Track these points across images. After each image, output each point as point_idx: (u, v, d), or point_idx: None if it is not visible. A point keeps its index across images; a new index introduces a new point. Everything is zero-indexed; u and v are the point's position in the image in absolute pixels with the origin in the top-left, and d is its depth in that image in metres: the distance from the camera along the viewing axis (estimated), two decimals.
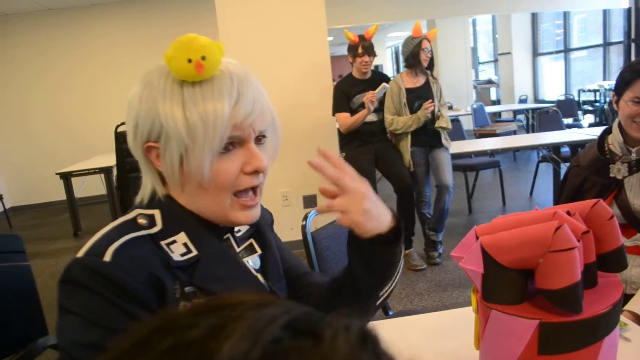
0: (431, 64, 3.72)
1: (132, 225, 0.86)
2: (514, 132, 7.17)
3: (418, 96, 3.68)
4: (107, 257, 0.79)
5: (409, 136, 3.70)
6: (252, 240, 1.01)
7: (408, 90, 3.68)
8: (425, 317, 1.50)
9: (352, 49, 3.74)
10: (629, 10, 8.48)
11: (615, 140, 1.79)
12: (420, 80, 3.74)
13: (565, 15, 10.18)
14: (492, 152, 5.02)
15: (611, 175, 1.79)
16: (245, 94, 0.84)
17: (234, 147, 0.86)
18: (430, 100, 3.60)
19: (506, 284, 0.91)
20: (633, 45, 8.45)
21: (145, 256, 0.82)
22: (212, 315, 0.29)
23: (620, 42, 8.87)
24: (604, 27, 9.35)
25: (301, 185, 4.17)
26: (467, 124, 8.23)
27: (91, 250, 0.81)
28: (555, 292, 0.85)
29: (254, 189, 0.91)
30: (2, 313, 1.52)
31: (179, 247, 0.86)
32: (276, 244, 1.10)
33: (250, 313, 0.28)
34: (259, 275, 0.97)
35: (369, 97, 3.56)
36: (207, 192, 0.87)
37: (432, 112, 3.61)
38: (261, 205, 1.11)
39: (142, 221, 0.86)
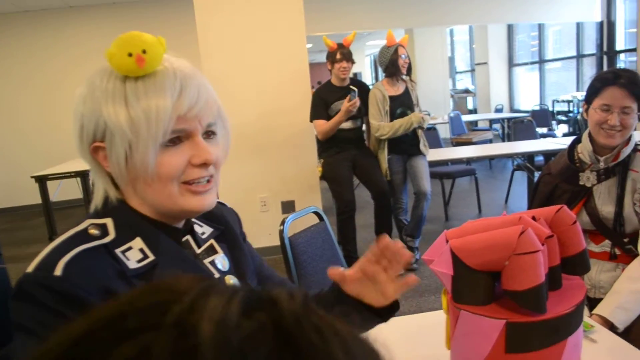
0: (409, 69, 3.77)
1: (84, 236, 0.83)
2: (490, 141, 7.29)
3: (400, 103, 3.73)
4: (58, 271, 0.76)
5: (386, 144, 3.74)
6: (212, 241, 0.99)
7: (391, 98, 3.72)
8: (400, 320, 1.53)
9: (331, 55, 3.78)
10: (601, 24, 8.73)
11: (584, 149, 1.84)
12: (400, 88, 3.79)
13: (540, 27, 10.40)
14: (469, 160, 5.10)
15: (580, 183, 1.84)
16: (188, 87, 0.84)
17: (180, 141, 0.85)
18: (422, 114, 3.70)
19: (474, 285, 0.95)
20: (605, 57, 8.69)
21: (98, 268, 0.79)
22: (160, 312, 0.27)
23: (593, 54, 9.10)
24: (578, 40, 9.58)
25: (280, 191, 4.19)
26: (444, 132, 8.35)
27: (41, 264, 0.78)
28: (520, 293, 0.89)
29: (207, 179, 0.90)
30: None
31: (135, 253, 0.84)
32: (249, 251, 1.09)
33: (201, 303, 0.27)
34: (228, 277, 0.95)
35: (350, 105, 3.58)
36: (152, 186, 0.85)
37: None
38: (226, 205, 1.11)
39: (93, 231, 0.84)
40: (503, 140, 9.15)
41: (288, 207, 4.14)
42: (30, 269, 0.78)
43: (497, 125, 10.16)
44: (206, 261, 0.94)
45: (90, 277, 0.77)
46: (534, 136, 5.94)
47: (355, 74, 16.33)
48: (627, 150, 1.78)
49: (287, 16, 4.02)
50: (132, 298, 0.29)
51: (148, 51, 0.81)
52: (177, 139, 0.84)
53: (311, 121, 3.86)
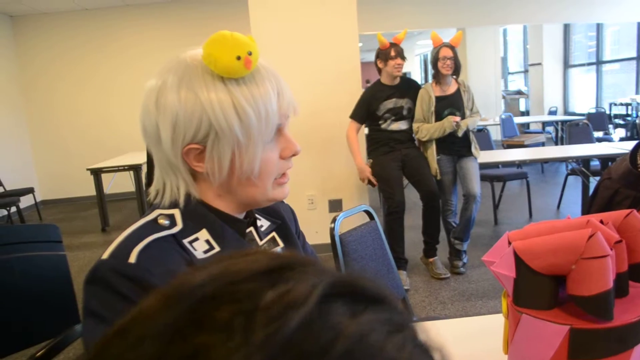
0: (456, 70, 3.66)
1: (154, 225, 0.85)
2: (543, 144, 7.09)
3: (448, 104, 3.67)
4: (132, 258, 0.78)
5: (434, 144, 3.70)
6: (274, 233, 1.02)
7: (438, 99, 3.67)
8: (449, 322, 1.50)
9: (384, 53, 3.73)
10: None
11: None
12: (451, 89, 3.72)
13: (599, 27, 10.03)
14: (520, 164, 4.97)
15: None
16: (283, 85, 0.87)
17: (274, 136, 0.88)
18: (458, 116, 3.62)
19: (538, 289, 0.92)
20: None
21: (169, 257, 0.81)
22: (267, 277, 0.27)
23: None
24: (638, 40, 9.19)
25: (327, 189, 4.20)
26: (495, 134, 8.16)
27: (116, 252, 0.80)
28: (587, 298, 0.86)
29: None
30: (40, 300, 1.58)
31: (202, 244, 0.86)
32: (303, 247, 1.11)
33: (301, 276, 0.27)
34: None
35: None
36: (255, 184, 0.88)
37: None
38: (282, 201, 1.13)
39: (163, 221, 0.86)
40: (556, 144, 8.90)
41: (335, 205, 4.14)
42: (105, 256, 0.80)
43: (550, 128, 9.87)
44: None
45: (162, 265, 0.79)
46: (590, 140, 5.73)
47: (405, 74, 16.18)
48: None
49: (339, 15, 4.03)
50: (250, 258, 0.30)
51: (253, 52, 0.82)
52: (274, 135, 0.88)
53: (350, 117, 3.83)
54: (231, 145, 0.83)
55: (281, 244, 1.02)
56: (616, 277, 0.92)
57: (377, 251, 2.01)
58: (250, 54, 0.82)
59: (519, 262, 0.93)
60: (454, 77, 3.72)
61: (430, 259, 3.82)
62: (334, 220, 1.92)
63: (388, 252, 2.04)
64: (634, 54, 9.28)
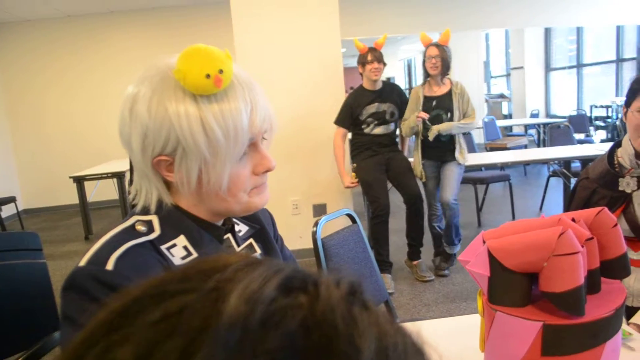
0: (445, 70, 3.62)
1: (132, 232, 0.85)
2: (525, 147, 7.17)
3: (437, 105, 3.66)
4: (110, 265, 0.78)
5: (420, 148, 3.72)
6: (251, 240, 1.02)
7: (427, 98, 3.68)
8: (430, 323, 1.52)
9: (362, 57, 3.76)
10: None
11: (625, 154, 1.80)
12: (442, 89, 3.69)
13: (579, 31, 10.19)
14: (503, 166, 5.02)
15: (620, 188, 1.80)
16: (257, 102, 0.85)
17: (245, 152, 0.87)
18: (423, 112, 3.61)
19: (511, 286, 0.94)
20: None
21: (147, 263, 0.81)
22: (202, 279, 0.28)
23: (633, 59, 8.86)
24: (617, 43, 9.35)
25: (311, 194, 4.21)
26: (479, 137, 8.24)
27: (93, 258, 0.80)
28: (559, 294, 0.88)
29: None
30: (19, 308, 1.57)
31: (179, 250, 0.86)
32: (281, 251, 1.11)
33: (242, 275, 0.28)
34: None
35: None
36: (224, 199, 0.88)
37: (425, 122, 3.61)
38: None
39: (140, 227, 0.86)
40: (538, 146, 8.99)
41: (320, 210, 4.15)
42: (82, 262, 0.80)
43: (532, 131, 9.98)
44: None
45: (140, 271, 0.79)
46: (571, 142, 5.81)
47: (388, 78, 16.27)
48: None
49: (322, 21, 4.05)
50: (183, 268, 0.31)
51: (224, 70, 0.81)
52: (244, 152, 0.87)
53: (335, 123, 3.85)
54: (198, 161, 0.83)
55: (259, 250, 1.02)
56: (588, 273, 0.94)
57: (360, 254, 2.02)
58: (221, 72, 0.80)
59: (492, 260, 0.95)
60: (447, 77, 3.69)
61: (415, 262, 3.84)
62: (316, 224, 1.93)
63: (370, 255, 2.05)
64: (613, 57, 9.43)
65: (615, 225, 1.01)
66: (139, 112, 0.82)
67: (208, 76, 0.79)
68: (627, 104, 1.76)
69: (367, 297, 0.30)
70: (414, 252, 3.86)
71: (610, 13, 8.40)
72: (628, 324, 1.56)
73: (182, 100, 0.81)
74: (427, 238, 3.92)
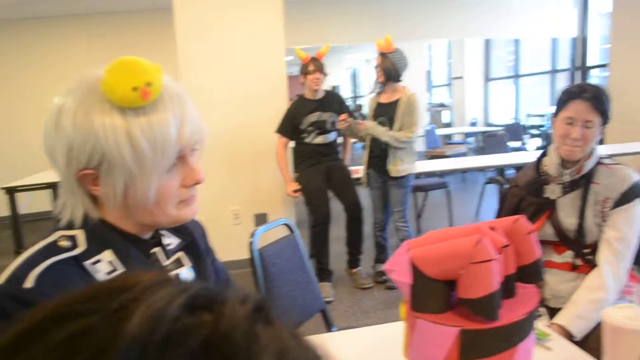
0: (388, 77, 3.60)
1: (54, 248, 0.83)
2: (464, 154, 7.40)
3: (382, 112, 3.66)
4: (29, 283, 0.77)
5: (367, 155, 3.76)
6: (181, 253, 1.01)
7: (379, 105, 3.70)
8: (367, 330, 1.54)
9: (304, 67, 3.78)
10: (575, 40, 8.95)
11: (551, 162, 1.88)
12: (390, 97, 3.66)
13: (517, 43, 10.63)
14: (442, 174, 5.15)
15: (545, 195, 1.88)
16: (187, 114, 0.84)
17: (174, 164, 0.86)
18: (346, 115, 3.63)
19: (431, 294, 0.97)
20: (578, 72, 8.92)
21: (68, 280, 0.79)
22: (108, 299, 0.28)
23: (567, 70, 9.33)
24: (552, 55, 9.82)
25: (253, 204, 4.18)
26: (420, 145, 8.43)
27: (11, 276, 0.79)
28: (474, 300, 0.91)
29: None
30: None
31: (105, 265, 0.85)
32: (216, 266, 1.11)
33: (149, 294, 0.28)
34: None
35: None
36: (151, 212, 0.87)
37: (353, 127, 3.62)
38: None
39: (63, 243, 0.84)
40: (477, 154, 9.30)
41: (261, 219, 4.13)
42: (0, 280, 0.78)
43: (472, 139, 10.31)
44: (172, 274, 0.95)
45: (61, 288, 0.77)
46: (506, 150, 6.04)
47: (333, 87, 16.43)
48: (589, 164, 1.82)
49: (267, 29, 4.06)
50: (91, 287, 0.31)
51: (152, 83, 0.80)
52: (172, 164, 0.86)
53: (277, 132, 3.84)
54: (124, 174, 0.82)
55: (189, 263, 1.01)
56: (505, 279, 0.98)
57: (297, 264, 2.03)
58: (149, 84, 0.79)
59: (414, 269, 0.98)
60: (400, 85, 3.67)
61: (354, 270, 3.88)
62: (252, 235, 1.93)
63: (307, 265, 2.06)
64: (549, 68, 9.90)
65: (530, 232, 1.06)
66: (64, 125, 0.80)
67: (135, 89, 0.78)
68: (556, 113, 1.86)
69: (273, 314, 0.31)
70: (353, 260, 3.90)
71: (546, 26, 8.81)
72: (551, 324, 1.64)
73: (108, 113, 0.80)
74: (368, 245, 3.96)
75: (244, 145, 4.09)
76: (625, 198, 1.75)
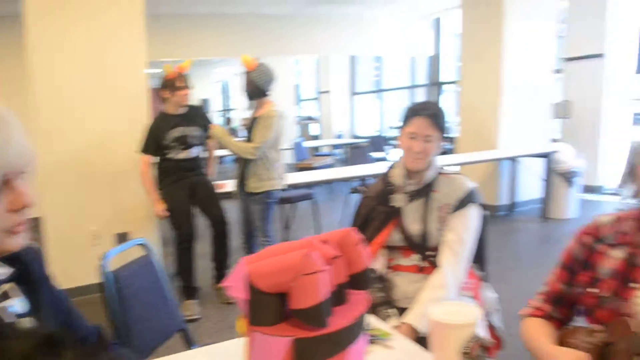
0: (250, 95, 3.73)
1: None
2: (331, 166, 7.66)
3: (249, 127, 3.77)
4: None
5: (237, 169, 3.78)
6: (11, 284, 0.96)
7: (252, 120, 3.73)
8: (222, 345, 1.56)
9: (170, 83, 3.71)
10: (431, 58, 9.72)
11: (397, 173, 2.04)
12: (255, 113, 3.74)
13: (380, 60, 11.31)
14: (309, 185, 5.30)
15: (392, 204, 2.03)
16: (10, 138, 0.81)
17: None
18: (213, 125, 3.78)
19: (265, 307, 1.01)
20: (435, 87, 9.73)
21: None
22: None
23: (424, 85, 10.12)
24: (412, 72, 10.60)
25: (114, 222, 4.00)
26: (289, 158, 8.61)
27: None
28: (304, 310, 0.97)
29: None
30: None
31: None
32: (51, 290, 1.06)
33: None
34: (25, 320, 0.91)
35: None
36: None
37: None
38: (29, 244, 1.08)
39: None
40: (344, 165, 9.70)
41: (122, 239, 3.96)
42: None
43: (339, 151, 10.72)
44: (2, 305, 0.90)
45: None
46: (369, 160, 6.36)
47: (203, 100, 16.22)
48: (430, 174, 2.00)
49: (127, 42, 3.94)
50: None
51: None
52: None
53: (140, 151, 3.74)
54: None
55: (19, 295, 0.95)
56: (337, 287, 1.05)
57: (153, 284, 1.99)
58: None
59: (250, 284, 1.02)
60: (266, 101, 3.73)
61: (220, 285, 3.86)
62: (104, 257, 1.86)
63: (164, 285, 2.03)
64: (409, 83, 10.66)
65: (359, 243, 1.14)
66: None
67: None
68: (401, 128, 2.02)
69: (64, 346, 0.32)
70: (219, 275, 3.89)
71: (405, 45, 9.44)
72: (401, 324, 1.77)
73: None
74: (236, 259, 3.95)
75: (104, 161, 3.92)
76: (462, 204, 1.95)
